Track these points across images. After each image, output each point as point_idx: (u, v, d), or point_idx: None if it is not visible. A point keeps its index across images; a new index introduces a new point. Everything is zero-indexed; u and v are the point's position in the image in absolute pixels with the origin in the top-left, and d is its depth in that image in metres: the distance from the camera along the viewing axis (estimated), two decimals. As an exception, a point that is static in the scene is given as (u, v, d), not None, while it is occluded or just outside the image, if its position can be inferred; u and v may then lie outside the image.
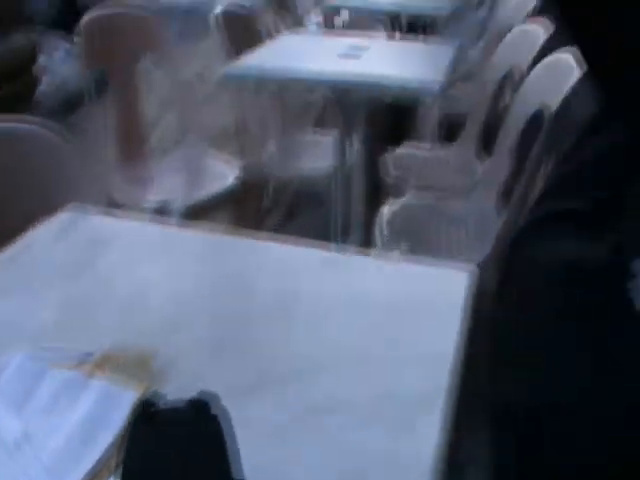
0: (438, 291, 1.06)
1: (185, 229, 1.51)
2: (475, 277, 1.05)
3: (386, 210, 2.32)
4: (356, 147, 2.46)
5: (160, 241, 1.32)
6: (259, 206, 3.00)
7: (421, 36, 4.46)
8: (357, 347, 0.96)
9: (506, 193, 2.38)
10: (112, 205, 2.58)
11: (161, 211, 2.41)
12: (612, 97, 0.72)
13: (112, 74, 2.81)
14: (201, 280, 1.15)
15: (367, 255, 2.25)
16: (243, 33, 3.02)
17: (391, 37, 4.29)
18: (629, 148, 0.71)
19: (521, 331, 0.78)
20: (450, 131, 3.56)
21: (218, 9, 2.93)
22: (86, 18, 2.72)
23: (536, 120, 2.26)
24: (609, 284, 0.63)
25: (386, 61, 2.56)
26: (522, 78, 2.66)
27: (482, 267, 2.10)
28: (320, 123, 3.78)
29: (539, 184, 2.24)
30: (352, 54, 2.51)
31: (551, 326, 0.73)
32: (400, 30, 4.52)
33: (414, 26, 4.54)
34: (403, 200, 2.43)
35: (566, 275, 0.70)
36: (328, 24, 4.03)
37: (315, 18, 4.28)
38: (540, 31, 2.77)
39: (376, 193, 2.63)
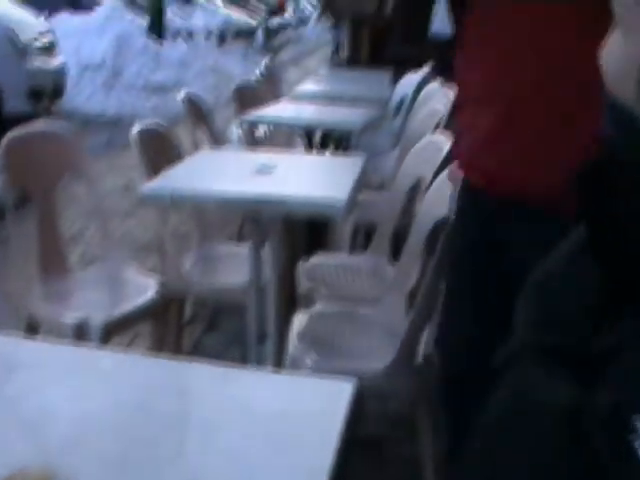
0: (322, 402, 1.16)
1: (98, 349, 1.58)
2: (360, 389, 1.15)
3: (296, 321, 2.43)
4: (271, 259, 2.57)
5: (72, 362, 1.39)
6: (179, 319, 3.06)
7: (338, 149, 4.67)
8: (244, 457, 1.05)
9: (413, 297, 2.52)
10: (31, 322, 2.63)
11: (81, 327, 2.46)
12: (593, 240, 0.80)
13: (34, 191, 2.89)
14: (107, 400, 1.22)
15: (278, 368, 2.35)
16: (162, 150, 3.14)
17: (307, 151, 4.49)
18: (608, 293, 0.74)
19: (514, 456, 0.81)
20: (366, 238, 3.72)
21: (136, 128, 3.04)
22: (9, 136, 2.80)
23: (438, 228, 2.41)
24: (610, 434, 0.66)
25: (297, 178, 2.69)
26: (427, 188, 2.82)
27: (390, 370, 2.19)
28: (240, 235, 3.91)
29: (441, 288, 2.37)
30: (265, 171, 2.64)
31: (550, 461, 0.76)
32: (316, 144, 4.72)
33: (330, 140, 4.75)
34: (313, 310, 2.55)
35: (562, 420, 0.71)
36: (247, 138, 4.19)
37: (235, 132, 4.44)
38: (445, 142, 2.94)
39: (292, 304, 2.73)
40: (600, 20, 1.42)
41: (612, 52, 0.80)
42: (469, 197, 1.73)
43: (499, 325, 1.47)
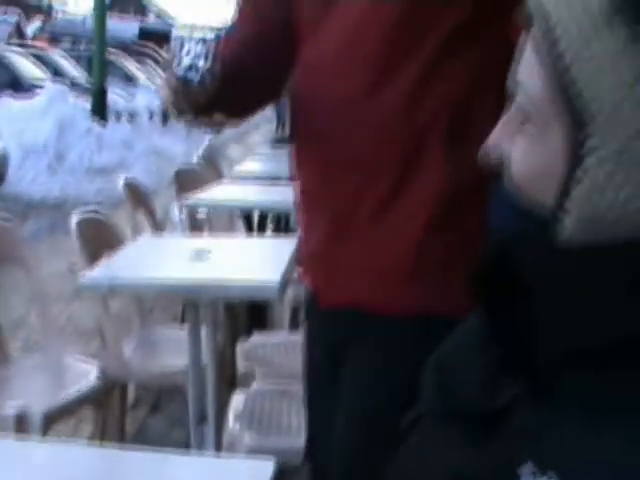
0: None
1: (38, 440, 1.62)
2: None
3: (234, 401, 2.50)
4: (210, 341, 2.64)
5: (11, 454, 1.44)
6: (122, 404, 3.09)
7: (278, 229, 4.78)
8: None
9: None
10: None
11: (21, 417, 2.48)
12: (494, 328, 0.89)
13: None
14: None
15: (217, 451, 2.40)
16: (102, 237, 3.21)
17: (247, 234, 4.59)
18: (506, 367, 0.83)
19: None
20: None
21: (75, 217, 3.12)
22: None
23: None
24: None
25: (233, 261, 2.78)
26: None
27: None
28: (184, 317, 3.96)
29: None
30: (202, 256, 2.71)
31: None
32: (255, 226, 4.83)
33: (268, 220, 4.87)
34: (251, 389, 2.62)
35: (457, 474, 0.81)
36: (188, 222, 4.27)
37: (176, 215, 4.52)
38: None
39: (232, 385, 2.80)
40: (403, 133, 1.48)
41: (524, 153, 0.80)
42: (310, 300, 1.69)
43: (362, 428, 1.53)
